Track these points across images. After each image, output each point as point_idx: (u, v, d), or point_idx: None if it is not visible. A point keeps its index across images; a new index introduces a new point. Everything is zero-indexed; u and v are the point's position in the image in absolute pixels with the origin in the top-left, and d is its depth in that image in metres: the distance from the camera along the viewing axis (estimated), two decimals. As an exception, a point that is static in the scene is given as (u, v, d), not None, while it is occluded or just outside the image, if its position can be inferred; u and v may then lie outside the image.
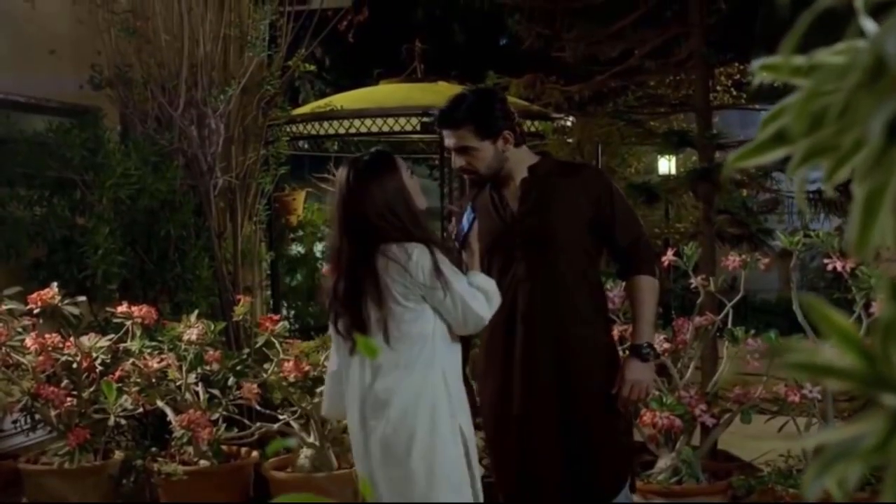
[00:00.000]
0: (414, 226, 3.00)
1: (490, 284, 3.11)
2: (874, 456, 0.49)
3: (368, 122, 5.95)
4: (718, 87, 7.12)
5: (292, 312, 7.89)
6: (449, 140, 3.31)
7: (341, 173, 3.06)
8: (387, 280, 2.95)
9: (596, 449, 3.29)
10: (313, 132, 6.18)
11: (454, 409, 3.00)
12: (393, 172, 3.05)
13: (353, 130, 6.03)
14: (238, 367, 4.75)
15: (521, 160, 3.33)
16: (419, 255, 2.94)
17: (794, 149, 0.66)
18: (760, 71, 0.70)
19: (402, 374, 2.96)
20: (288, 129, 6.02)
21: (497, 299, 3.10)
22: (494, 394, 3.39)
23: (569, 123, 6.73)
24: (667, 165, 10.03)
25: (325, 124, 6.06)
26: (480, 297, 3.03)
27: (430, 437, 2.95)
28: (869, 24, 0.59)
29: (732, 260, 4.23)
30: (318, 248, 8.48)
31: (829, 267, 3.94)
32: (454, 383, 3.04)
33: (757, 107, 6.69)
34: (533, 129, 6.24)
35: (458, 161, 3.32)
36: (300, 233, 8.23)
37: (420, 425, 2.95)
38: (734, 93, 7.33)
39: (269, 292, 6.62)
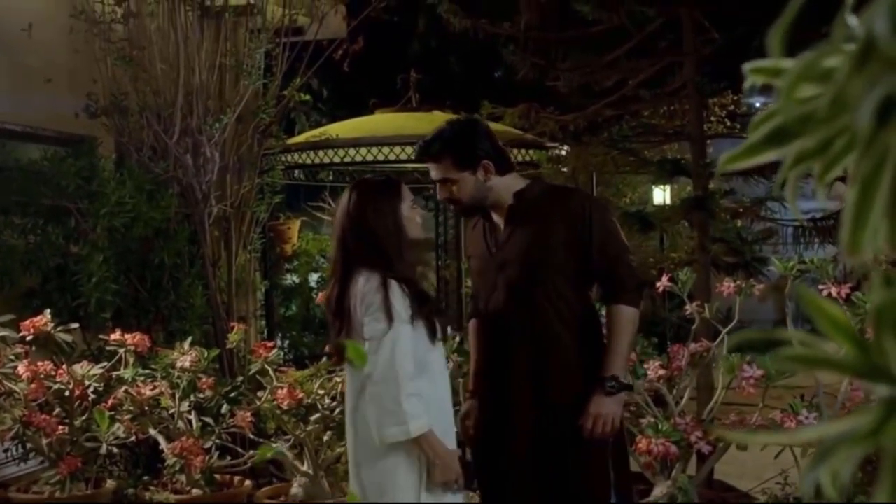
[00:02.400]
0: (397, 257, 2.99)
1: (422, 395, 2.94)
2: (868, 442, 0.49)
3: (363, 150, 5.96)
4: (712, 118, 7.16)
5: (286, 342, 7.88)
6: (432, 172, 3.34)
7: (347, 191, 3.17)
8: (354, 307, 2.97)
9: (571, 474, 3.23)
10: (308, 161, 6.18)
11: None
12: (391, 199, 3.07)
13: (347, 159, 6.04)
14: (231, 395, 4.72)
15: (508, 187, 3.30)
16: (368, 286, 2.93)
17: (786, 151, 0.65)
18: (751, 74, 0.69)
19: (361, 396, 3.02)
20: (283, 158, 6.02)
21: (412, 419, 2.88)
22: (477, 421, 3.38)
23: (563, 153, 6.75)
24: (661, 195, 10.07)
25: (321, 153, 6.07)
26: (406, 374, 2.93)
27: (380, 460, 2.98)
28: (853, 20, 0.59)
29: (727, 286, 4.22)
30: (313, 277, 8.48)
31: (825, 293, 3.93)
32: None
33: (751, 136, 6.71)
34: (528, 158, 6.26)
35: (442, 192, 3.36)
36: (295, 262, 8.23)
37: (372, 446, 2.99)
38: (728, 123, 7.37)
39: (263, 322, 6.60)
